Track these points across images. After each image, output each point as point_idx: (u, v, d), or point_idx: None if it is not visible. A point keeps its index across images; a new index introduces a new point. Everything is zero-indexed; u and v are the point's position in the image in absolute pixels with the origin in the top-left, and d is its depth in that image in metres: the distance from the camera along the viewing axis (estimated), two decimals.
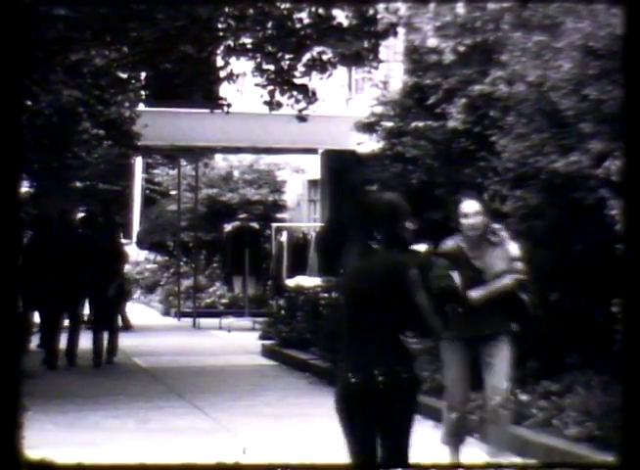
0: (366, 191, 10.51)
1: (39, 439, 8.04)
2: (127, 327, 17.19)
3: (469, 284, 7.18)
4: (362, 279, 5.13)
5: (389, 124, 12.49)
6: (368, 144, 13.24)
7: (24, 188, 19.83)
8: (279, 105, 13.93)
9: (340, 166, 20.61)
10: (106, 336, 13.78)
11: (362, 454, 5.09)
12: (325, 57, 13.32)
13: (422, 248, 5.32)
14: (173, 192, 24.00)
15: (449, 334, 7.26)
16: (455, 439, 7.55)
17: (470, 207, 7.40)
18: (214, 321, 19.10)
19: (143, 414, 10.26)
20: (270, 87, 13.64)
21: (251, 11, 12.33)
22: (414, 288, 5.06)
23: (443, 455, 7.47)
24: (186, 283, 22.04)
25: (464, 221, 7.40)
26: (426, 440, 8.94)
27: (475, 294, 7.26)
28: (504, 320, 7.39)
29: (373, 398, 4.98)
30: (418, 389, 5.15)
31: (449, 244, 7.48)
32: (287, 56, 13.20)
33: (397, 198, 5.33)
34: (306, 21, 12.66)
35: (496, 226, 7.51)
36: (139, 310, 22.03)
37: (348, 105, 20.73)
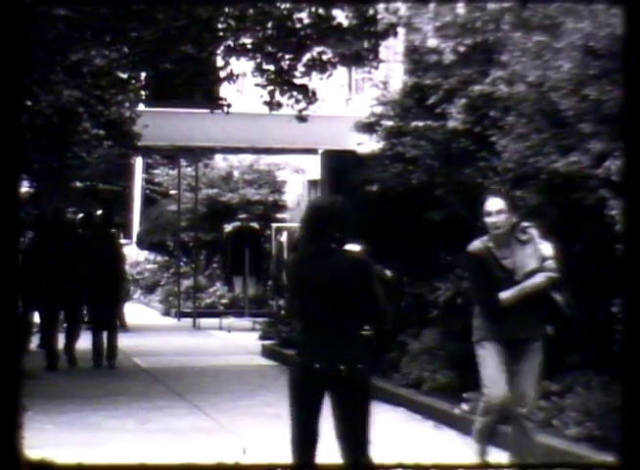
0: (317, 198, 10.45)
1: (39, 439, 8.05)
2: (123, 326, 17.16)
3: (499, 286, 7.06)
4: (328, 276, 5.67)
5: (389, 124, 12.50)
6: (368, 144, 13.24)
7: (25, 188, 19.84)
8: (279, 105, 13.93)
9: (340, 167, 20.59)
10: (105, 336, 13.74)
11: (306, 431, 5.85)
12: (325, 57, 13.33)
13: (356, 248, 5.71)
14: (173, 192, 24.00)
15: (485, 334, 7.19)
16: (486, 439, 7.34)
17: (493, 205, 7.17)
18: (214, 321, 19.11)
19: (143, 414, 10.26)
20: (270, 87, 13.65)
21: (251, 11, 12.33)
22: (373, 281, 5.73)
23: (444, 455, 7.47)
24: (186, 283, 22.05)
25: (487, 220, 7.18)
26: (426, 440, 8.96)
27: (505, 295, 7.06)
28: (539, 323, 7.20)
29: (334, 384, 5.64)
30: (371, 379, 5.79)
31: (476, 245, 7.27)
32: (287, 56, 13.21)
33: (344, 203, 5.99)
34: (306, 21, 12.66)
35: (525, 224, 7.28)
36: (139, 310, 22.04)
37: (348, 105, 20.73)
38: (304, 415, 5.85)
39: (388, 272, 6.61)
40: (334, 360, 5.62)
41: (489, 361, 7.18)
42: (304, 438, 5.88)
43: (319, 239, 5.74)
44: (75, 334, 13.67)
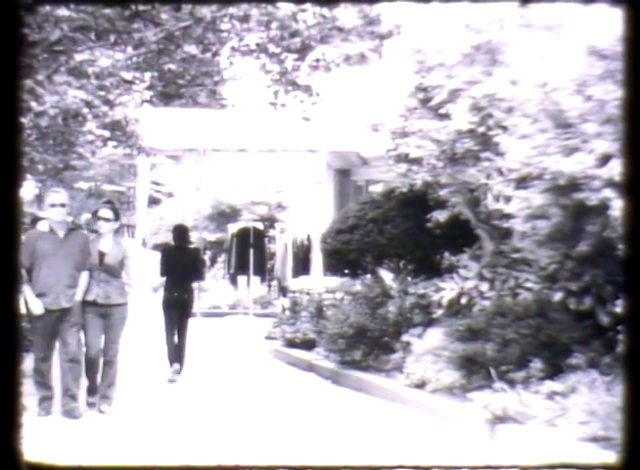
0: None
1: (39, 439, 8.05)
2: None
3: None
4: (181, 260, 12.77)
5: (393, 125, 12.51)
6: (372, 145, 13.25)
7: (31, 189, 19.85)
8: (283, 105, 13.95)
9: (343, 167, 20.61)
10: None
11: (171, 327, 12.70)
12: (329, 57, 13.33)
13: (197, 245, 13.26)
14: (178, 192, 24.03)
15: None
16: None
17: None
18: (218, 321, 19.10)
19: (144, 414, 10.25)
20: (274, 88, 13.67)
21: (255, 12, 12.35)
22: (199, 262, 13.38)
23: (447, 455, 7.46)
24: None
25: None
26: (429, 439, 8.95)
27: None
28: None
29: (177, 303, 12.68)
30: (193, 301, 13.12)
31: None
32: (291, 56, 13.22)
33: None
34: (310, 21, 12.67)
35: None
36: (143, 310, 22.02)
37: (352, 106, 20.72)
38: (169, 319, 12.68)
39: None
40: (180, 293, 12.65)
41: None
42: (171, 330, 12.66)
43: (180, 241, 13.00)
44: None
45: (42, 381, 9.98)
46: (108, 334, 10.37)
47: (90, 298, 10.23)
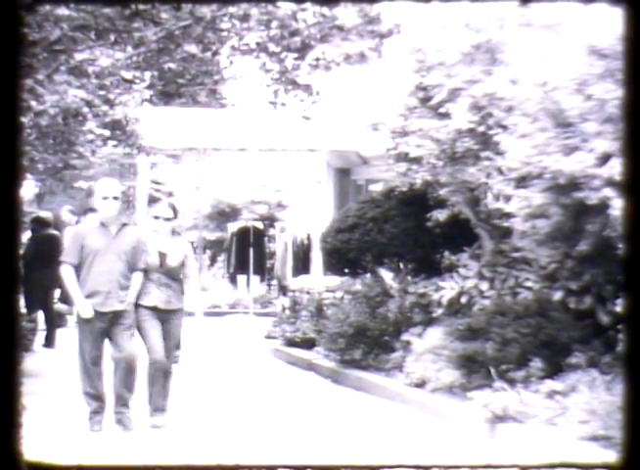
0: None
1: (39, 439, 8.05)
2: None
3: None
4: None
5: (393, 124, 12.51)
6: (372, 144, 13.25)
7: (31, 188, 19.86)
8: (283, 104, 13.96)
9: (343, 166, 20.62)
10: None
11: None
12: (329, 56, 13.34)
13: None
14: (177, 191, 24.05)
15: None
16: None
17: None
18: (218, 320, 19.11)
19: (145, 414, 10.24)
20: (274, 87, 13.67)
21: (255, 11, 12.36)
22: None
23: (447, 455, 7.46)
24: None
25: None
26: (429, 439, 8.96)
27: None
28: None
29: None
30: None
31: None
32: (291, 55, 13.23)
33: None
34: (310, 21, 12.67)
35: None
36: None
37: (352, 105, 20.73)
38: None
39: None
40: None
41: None
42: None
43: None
44: None
45: (92, 391, 9.12)
46: (168, 341, 9.38)
47: (150, 303, 9.25)
